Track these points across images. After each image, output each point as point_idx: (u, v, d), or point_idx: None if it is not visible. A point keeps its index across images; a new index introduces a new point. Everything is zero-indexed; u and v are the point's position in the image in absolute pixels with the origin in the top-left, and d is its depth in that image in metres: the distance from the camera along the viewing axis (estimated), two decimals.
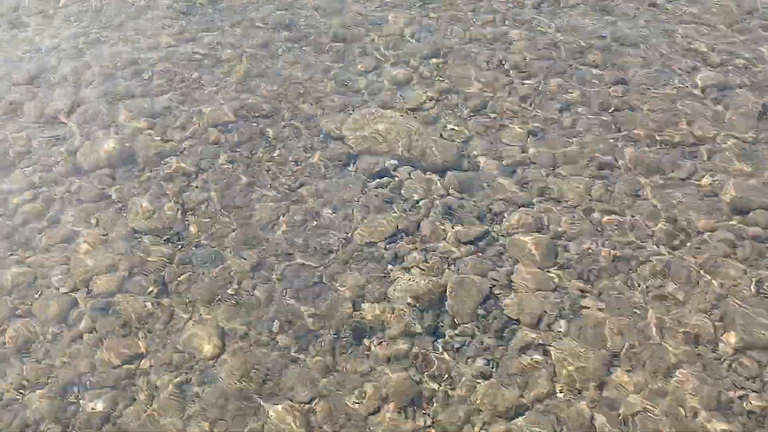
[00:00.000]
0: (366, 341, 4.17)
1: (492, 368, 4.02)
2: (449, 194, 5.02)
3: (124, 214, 4.94)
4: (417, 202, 4.97)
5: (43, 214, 4.97)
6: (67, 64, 6.24)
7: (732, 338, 4.10)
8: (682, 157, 5.21)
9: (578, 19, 6.60)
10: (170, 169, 5.25)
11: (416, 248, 4.66)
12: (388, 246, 4.69)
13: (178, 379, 4.03)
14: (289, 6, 6.86)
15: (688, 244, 4.63)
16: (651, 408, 3.81)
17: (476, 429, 3.77)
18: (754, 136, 5.34)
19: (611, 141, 5.36)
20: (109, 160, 5.32)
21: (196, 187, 5.11)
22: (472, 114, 5.63)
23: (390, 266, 4.57)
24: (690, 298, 4.32)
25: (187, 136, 5.50)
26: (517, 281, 4.45)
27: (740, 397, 3.84)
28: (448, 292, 4.39)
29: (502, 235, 4.74)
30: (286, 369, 4.06)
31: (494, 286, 4.42)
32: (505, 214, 4.87)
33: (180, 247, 4.74)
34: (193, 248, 4.72)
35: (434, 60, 6.19)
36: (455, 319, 4.26)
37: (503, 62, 6.11)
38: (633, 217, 4.82)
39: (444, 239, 4.71)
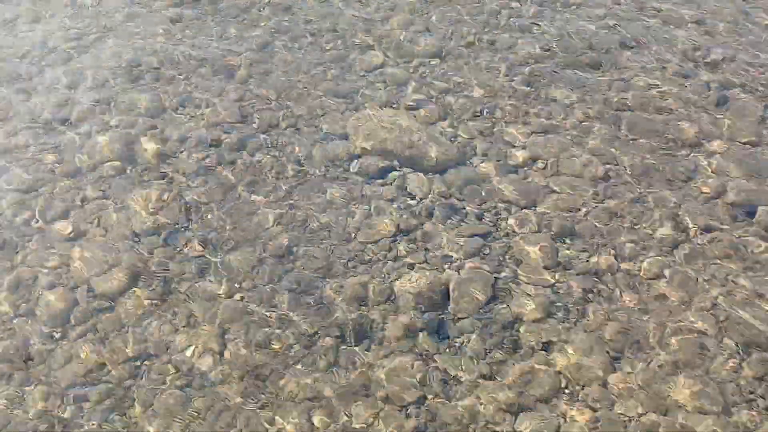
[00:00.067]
0: (367, 341, 4.17)
1: (494, 368, 4.02)
2: (450, 194, 5.02)
3: (124, 215, 4.93)
4: (418, 202, 4.98)
5: (43, 213, 4.95)
6: (66, 64, 6.22)
7: (732, 340, 4.10)
8: (683, 159, 5.23)
9: (578, 20, 6.62)
10: (170, 170, 5.24)
11: (417, 248, 4.66)
12: (388, 246, 4.69)
13: (177, 383, 4.02)
14: (289, 6, 6.86)
15: (689, 246, 4.64)
16: (651, 409, 3.81)
17: (478, 429, 3.77)
18: (755, 139, 5.38)
19: (612, 142, 5.37)
20: (109, 161, 5.30)
21: (196, 188, 5.10)
22: (472, 114, 5.63)
23: (391, 266, 4.57)
24: (691, 299, 4.33)
25: (187, 137, 5.49)
26: (519, 281, 4.45)
27: (741, 401, 3.84)
28: (450, 292, 4.38)
29: (504, 235, 4.74)
30: (286, 371, 4.04)
31: (496, 285, 4.42)
32: (506, 215, 4.88)
33: (179, 248, 4.73)
34: (193, 248, 4.71)
35: (435, 60, 6.19)
36: (456, 319, 4.26)
37: (504, 63, 6.11)
38: (634, 218, 4.83)
39: (445, 239, 4.72)
